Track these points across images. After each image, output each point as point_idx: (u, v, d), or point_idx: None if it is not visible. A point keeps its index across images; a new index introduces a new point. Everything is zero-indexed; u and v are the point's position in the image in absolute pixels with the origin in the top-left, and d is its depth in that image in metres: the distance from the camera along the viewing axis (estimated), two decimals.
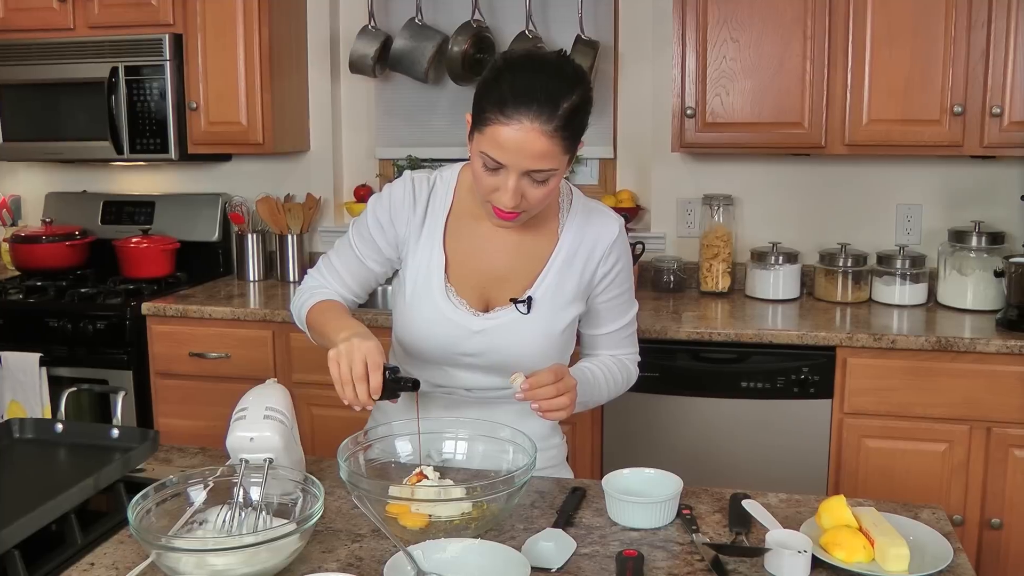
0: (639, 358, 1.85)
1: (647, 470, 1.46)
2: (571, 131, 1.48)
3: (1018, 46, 2.80)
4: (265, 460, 1.35)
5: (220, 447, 3.10)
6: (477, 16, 3.43)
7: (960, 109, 2.84)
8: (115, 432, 1.51)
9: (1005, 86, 2.82)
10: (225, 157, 3.70)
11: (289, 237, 3.56)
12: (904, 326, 2.82)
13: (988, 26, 2.81)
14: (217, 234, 3.66)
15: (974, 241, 3.02)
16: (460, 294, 1.67)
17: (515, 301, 1.65)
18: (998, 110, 2.82)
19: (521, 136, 1.44)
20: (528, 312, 1.64)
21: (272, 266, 3.64)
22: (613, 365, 1.76)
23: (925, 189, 3.27)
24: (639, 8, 3.41)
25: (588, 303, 1.73)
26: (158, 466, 1.62)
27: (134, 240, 3.50)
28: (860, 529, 1.32)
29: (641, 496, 1.42)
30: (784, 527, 1.36)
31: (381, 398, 1.46)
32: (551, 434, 1.80)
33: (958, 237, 3.06)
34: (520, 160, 1.46)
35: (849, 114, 2.94)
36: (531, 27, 3.37)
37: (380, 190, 3.62)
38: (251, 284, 3.53)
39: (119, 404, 1.56)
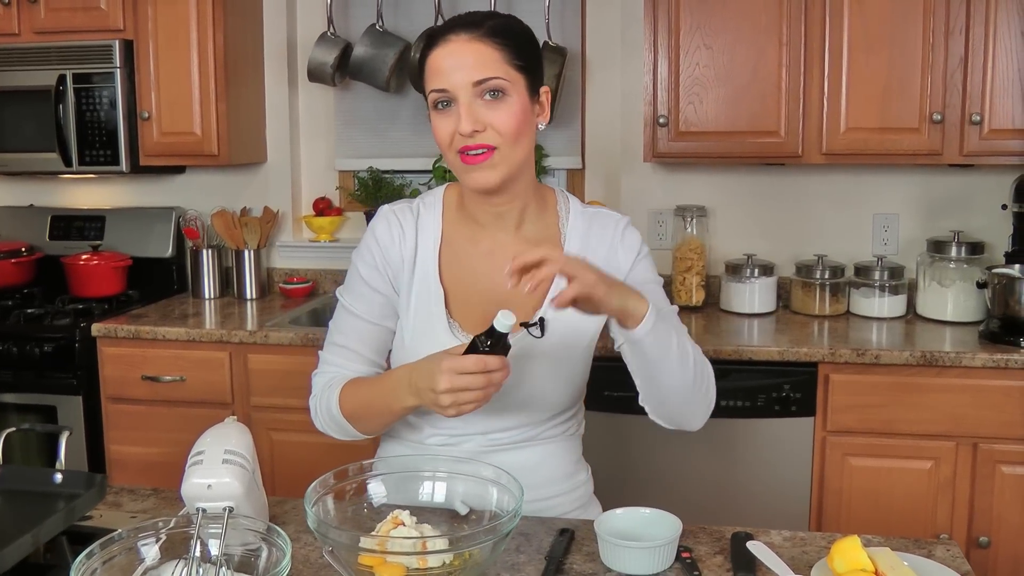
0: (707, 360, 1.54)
1: (643, 510, 1.35)
2: (508, 40, 1.42)
3: (997, 52, 2.74)
4: (224, 509, 1.22)
5: (175, 480, 2.96)
6: (440, 23, 3.30)
7: (939, 117, 2.78)
8: (58, 477, 1.37)
9: (985, 93, 2.76)
10: (178, 169, 3.54)
11: (246, 252, 3.42)
12: (886, 340, 2.75)
13: (966, 32, 2.75)
14: (170, 250, 3.50)
15: (953, 251, 2.96)
16: (466, 328, 1.51)
17: (526, 325, 1.45)
18: (978, 118, 2.76)
19: (452, 49, 1.41)
20: (542, 335, 1.45)
21: (228, 283, 3.49)
22: None
23: (901, 198, 3.20)
24: (607, 14, 3.31)
25: None
26: (106, 511, 1.48)
27: (84, 257, 3.33)
28: (876, 573, 1.22)
29: (637, 539, 1.30)
30: (792, 570, 1.26)
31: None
32: (575, 471, 1.63)
33: (937, 247, 2.99)
34: (460, 74, 1.39)
35: (826, 122, 2.86)
36: None
37: (339, 202, 3.59)
38: (206, 302, 3.38)
39: (63, 444, 1.41)
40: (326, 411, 1.57)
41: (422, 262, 1.54)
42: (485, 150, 1.41)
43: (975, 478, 2.62)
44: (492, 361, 1.30)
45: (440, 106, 1.42)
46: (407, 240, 1.54)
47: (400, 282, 1.55)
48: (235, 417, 1.36)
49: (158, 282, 3.48)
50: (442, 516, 1.37)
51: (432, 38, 1.45)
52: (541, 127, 1.50)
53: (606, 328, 1.54)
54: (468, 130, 1.39)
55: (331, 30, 3.35)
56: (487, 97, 1.40)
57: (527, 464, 1.53)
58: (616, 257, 1.55)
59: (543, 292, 1.49)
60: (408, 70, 3.30)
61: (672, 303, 1.56)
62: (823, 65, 2.84)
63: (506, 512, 1.25)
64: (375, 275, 1.56)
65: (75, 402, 2.93)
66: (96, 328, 2.95)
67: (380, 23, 3.32)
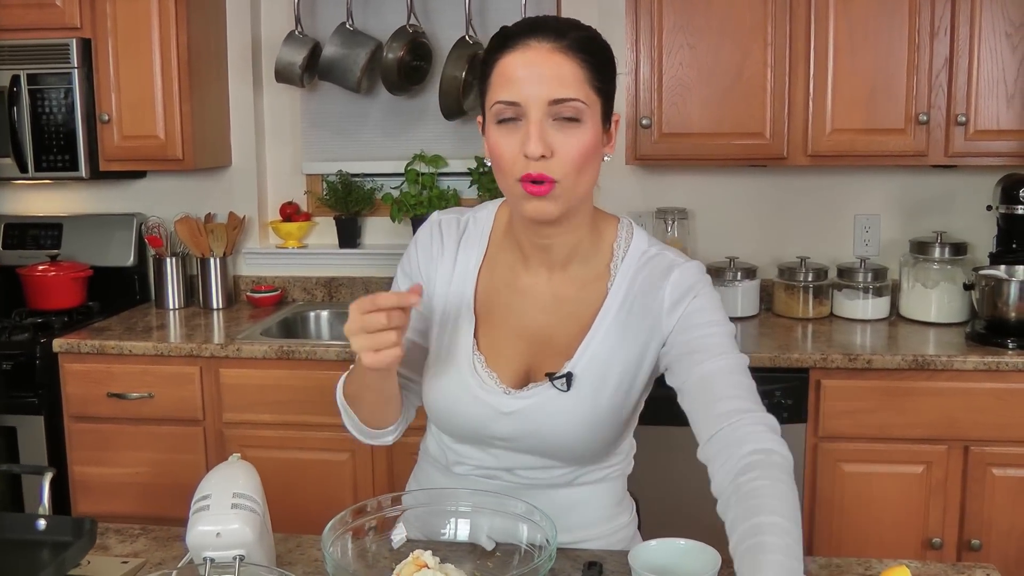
0: (774, 421, 1.30)
1: (679, 541, 1.27)
2: (592, 58, 1.25)
3: (982, 53, 2.72)
4: (235, 558, 1.12)
5: (143, 502, 2.82)
6: (412, 21, 3.21)
7: (925, 118, 2.75)
8: (41, 523, 1.25)
9: (970, 94, 2.74)
10: (139, 174, 3.39)
11: (212, 260, 3.28)
12: (876, 344, 2.72)
13: (951, 33, 2.73)
14: (132, 258, 3.35)
15: (937, 252, 2.94)
16: (491, 364, 1.38)
17: (551, 376, 1.35)
18: (963, 119, 2.73)
19: (531, 57, 1.24)
20: (568, 389, 1.35)
21: (193, 292, 3.35)
22: (764, 477, 1.19)
23: (882, 199, 3.18)
24: (583, 11, 3.22)
25: (670, 353, 1.37)
26: (94, 556, 1.35)
27: (41, 267, 3.16)
28: None
29: (674, 574, 1.23)
30: None
31: None
32: (615, 513, 1.50)
33: (920, 248, 2.97)
34: (536, 88, 1.22)
35: (811, 124, 2.82)
36: (471, 32, 3.17)
37: (307, 207, 3.47)
38: (171, 313, 3.24)
39: (46, 487, 1.29)
40: (338, 397, 1.46)
41: (459, 284, 1.41)
42: (544, 182, 1.25)
43: (967, 481, 2.60)
44: (385, 298, 1.18)
45: (504, 120, 1.26)
46: (445, 258, 1.42)
47: (434, 301, 1.43)
48: (239, 455, 1.25)
49: (119, 292, 3.33)
50: (463, 552, 1.28)
51: (506, 40, 1.28)
52: (607, 159, 1.34)
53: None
54: (537, 153, 1.22)
55: (299, 29, 3.23)
56: (560, 118, 1.24)
57: (560, 506, 1.40)
58: (659, 301, 1.36)
59: (577, 339, 1.37)
60: (381, 71, 3.19)
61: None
62: (808, 66, 2.79)
63: (537, 550, 1.17)
64: (408, 287, 1.43)
65: (36, 422, 2.78)
66: (57, 344, 2.80)
67: (350, 22, 3.20)
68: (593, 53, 1.27)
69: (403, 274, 1.48)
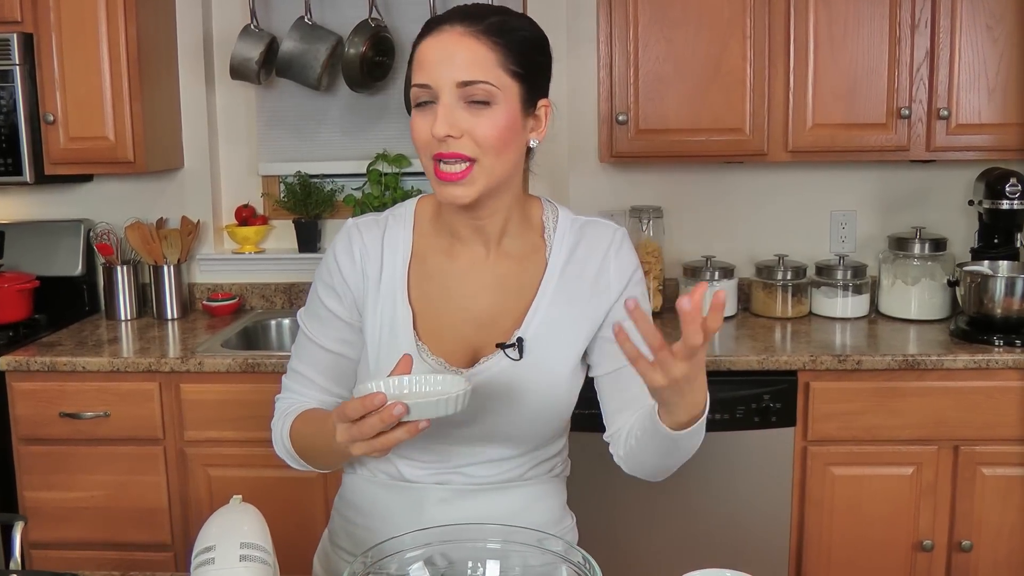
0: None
1: (725, 572, 1.17)
2: (505, 41, 1.26)
3: (963, 46, 2.68)
4: None
5: (100, 527, 2.64)
6: (374, 15, 3.08)
7: (907, 112, 2.70)
8: None
9: (952, 88, 2.70)
10: (86, 177, 3.20)
11: (165, 268, 3.11)
12: (861, 343, 2.66)
13: (932, 26, 2.69)
14: (81, 267, 3.16)
15: (917, 248, 2.90)
16: (436, 352, 1.36)
17: (502, 346, 1.35)
18: (946, 112, 2.69)
19: (443, 40, 1.26)
20: (520, 357, 1.35)
21: (146, 302, 3.18)
22: None
23: (858, 195, 3.13)
24: (552, 4, 3.13)
25: (604, 328, 1.39)
26: None
27: None
28: None
29: None
30: None
31: None
32: (562, 516, 1.51)
33: (899, 244, 2.93)
34: (445, 71, 1.24)
35: (792, 119, 2.76)
36: None
37: (264, 210, 3.32)
38: (123, 324, 3.06)
39: (16, 540, 1.15)
40: (281, 443, 1.44)
41: (388, 281, 1.38)
42: (460, 161, 1.25)
43: (956, 481, 2.56)
44: (373, 398, 1.10)
45: (421, 104, 1.27)
46: (371, 258, 1.38)
47: (364, 305, 1.39)
48: (240, 497, 1.12)
49: (67, 304, 3.14)
50: None
51: (426, 27, 1.30)
52: (533, 144, 1.34)
53: None
54: (441, 134, 1.23)
55: (254, 23, 3.07)
56: (470, 100, 1.25)
57: (513, 508, 1.39)
58: (607, 275, 1.40)
59: (524, 310, 1.37)
60: (342, 67, 3.05)
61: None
62: (788, 59, 2.73)
63: None
64: (333, 299, 1.41)
65: None
66: (4, 361, 2.60)
67: (309, 16, 3.06)
68: (509, 37, 1.27)
69: (325, 286, 1.41)
